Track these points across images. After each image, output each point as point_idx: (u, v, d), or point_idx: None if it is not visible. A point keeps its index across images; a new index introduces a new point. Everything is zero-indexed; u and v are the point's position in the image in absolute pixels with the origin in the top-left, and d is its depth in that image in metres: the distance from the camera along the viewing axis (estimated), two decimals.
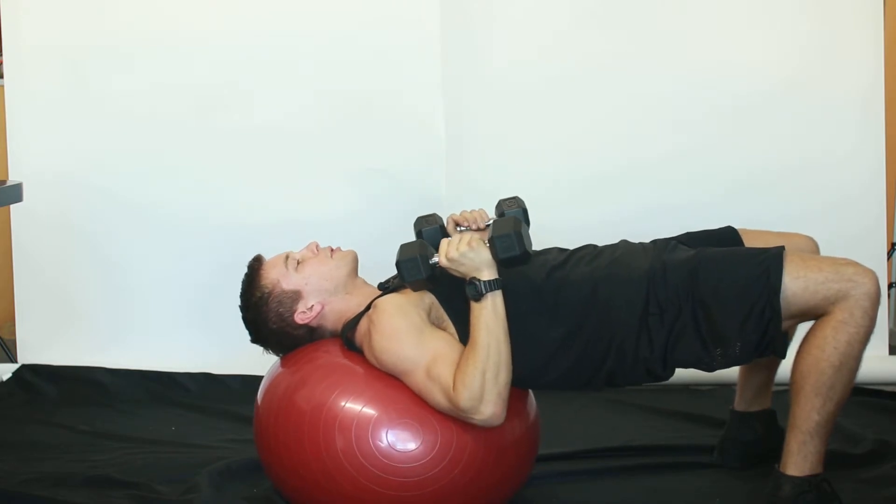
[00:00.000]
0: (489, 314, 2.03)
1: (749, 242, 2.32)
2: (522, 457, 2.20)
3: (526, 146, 3.40)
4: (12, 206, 3.37)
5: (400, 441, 2.04)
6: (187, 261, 3.42)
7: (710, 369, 2.10)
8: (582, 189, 3.39)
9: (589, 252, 2.26)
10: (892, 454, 2.51)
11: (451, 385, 2.00)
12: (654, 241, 2.30)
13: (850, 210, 3.37)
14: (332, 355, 2.18)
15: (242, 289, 2.26)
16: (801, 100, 3.37)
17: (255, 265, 2.27)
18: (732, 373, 2.41)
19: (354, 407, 2.06)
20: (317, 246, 2.28)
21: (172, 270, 3.44)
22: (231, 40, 3.36)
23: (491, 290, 2.03)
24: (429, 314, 2.12)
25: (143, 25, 3.37)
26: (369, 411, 2.05)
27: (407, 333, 2.06)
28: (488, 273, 2.04)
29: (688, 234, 2.37)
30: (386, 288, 2.27)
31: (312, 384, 2.11)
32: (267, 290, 2.22)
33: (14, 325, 3.53)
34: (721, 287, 2.07)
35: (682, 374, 2.20)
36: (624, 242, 2.31)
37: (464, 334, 2.08)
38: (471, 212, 2.35)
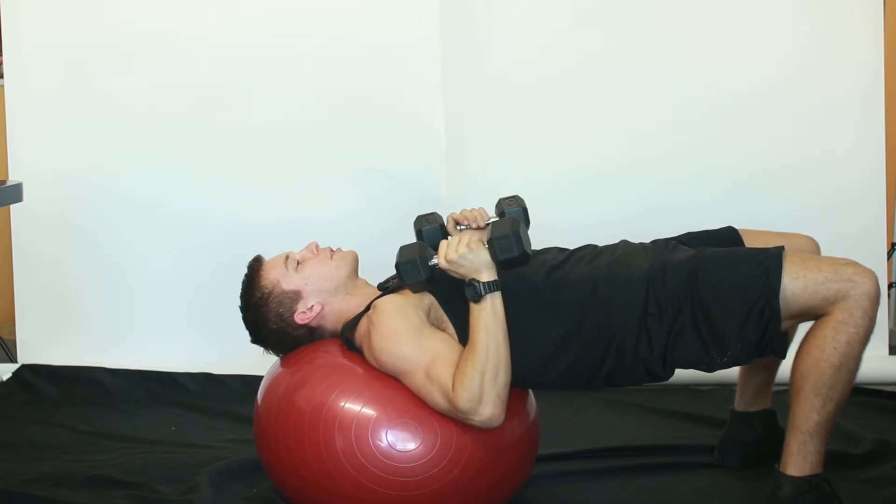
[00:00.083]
0: (488, 315, 2.03)
1: (749, 242, 2.32)
2: (522, 457, 2.20)
3: (526, 146, 3.40)
4: (12, 206, 3.37)
5: (400, 441, 2.04)
6: (187, 261, 3.42)
7: (710, 369, 2.10)
8: (582, 189, 3.39)
9: (589, 252, 2.26)
10: (892, 454, 2.51)
11: (451, 386, 2.00)
12: (655, 242, 2.30)
13: (850, 210, 3.37)
14: (332, 355, 2.18)
15: (242, 289, 2.26)
16: (801, 100, 3.37)
17: (255, 265, 2.27)
18: (732, 373, 2.41)
19: (354, 407, 2.06)
20: (316, 246, 2.28)
21: (172, 270, 3.44)
22: (231, 40, 3.36)
23: (490, 292, 2.03)
24: (428, 315, 2.12)
25: (143, 25, 3.37)
26: (369, 411, 2.05)
27: (406, 334, 2.06)
28: (487, 274, 2.04)
29: (688, 234, 2.37)
30: (385, 288, 2.27)
31: (312, 384, 2.11)
32: (267, 291, 2.22)
33: (14, 325, 3.53)
34: (721, 287, 2.07)
35: (682, 374, 2.20)
36: (624, 242, 2.31)
37: (463, 335, 2.08)
38: (471, 210, 2.36)
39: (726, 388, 2.92)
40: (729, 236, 2.35)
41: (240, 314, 2.26)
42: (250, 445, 2.39)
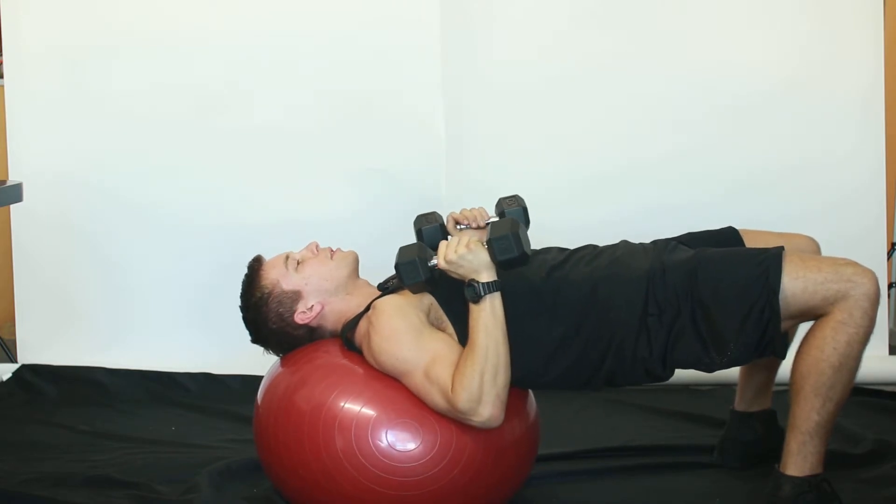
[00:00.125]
0: (488, 316, 2.03)
1: (750, 243, 2.32)
2: (522, 457, 2.20)
3: (526, 146, 3.40)
4: (12, 206, 3.37)
5: (400, 441, 2.04)
6: (187, 261, 3.42)
7: (710, 370, 2.10)
8: (582, 189, 3.39)
9: (589, 252, 2.26)
10: (892, 454, 2.50)
11: (450, 386, 2.00)
12: (655, 242, 2.30)
13: (850, 210, 3.37)
14: (332, 355, 2.18)
15: (242, 289, 2.26)
16: (801, 100, 3.37)
17: (255, 265, 2.27)
18: (732, 373, 2.41)
19: (354, 407, 2.06)
20: (317, 246, 2.28)
21: (172, 270, 3.44)
22: (231, 40, 3.36)
23: (489, 292, 2.03)
24: (428, 315, 2.12)
25: (143, 25, 3.37)
26: (369, 411, 2.05)
27: (406, 334, 2.06)
28: (487, 275, 2.04)
29: (689, 234, 2.37)
30: (385, 289, 2.27)
31: (312, 384, 2.11)
32: (267, 291, 2.22)
33: (14, 325, 3.53)
34: (720, 287, 2.07)
35: (682, 374, 2.20)
36: (624, 243, 2.31)
37: (463, 336, 2.08)
38: (471, 210, 2.36)
39: (726, 388, 2.92)
40: (729, 236, 2.35)
41: (240, 314, 2.27)
42: (250, 445, 2.39)
